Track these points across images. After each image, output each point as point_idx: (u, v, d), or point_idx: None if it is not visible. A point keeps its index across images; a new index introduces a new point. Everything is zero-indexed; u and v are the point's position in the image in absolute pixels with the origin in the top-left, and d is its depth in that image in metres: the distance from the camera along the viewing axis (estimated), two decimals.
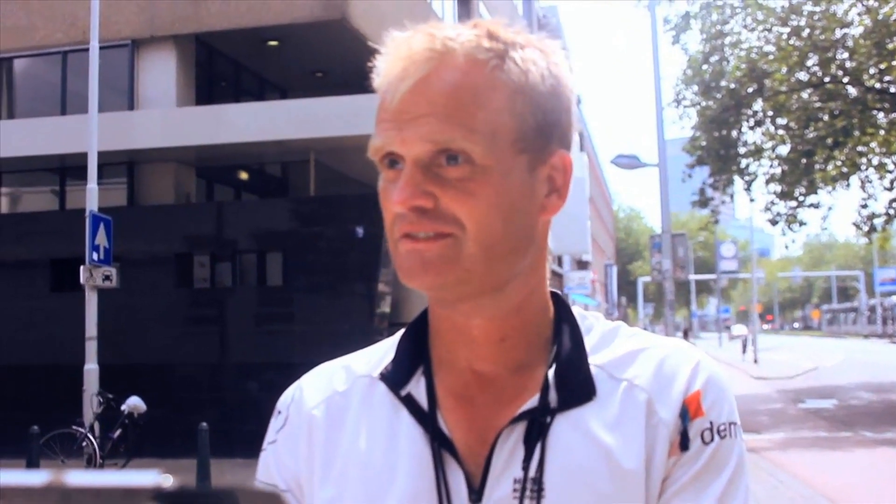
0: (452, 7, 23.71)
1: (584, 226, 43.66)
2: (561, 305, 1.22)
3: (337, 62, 16.15)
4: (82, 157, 13.24)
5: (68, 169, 16.34)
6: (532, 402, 1.12)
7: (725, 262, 54.20)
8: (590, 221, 49.67)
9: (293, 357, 12.97)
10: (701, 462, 1.10)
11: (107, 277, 12.46)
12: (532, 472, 1.09)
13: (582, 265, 57.02)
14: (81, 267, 12.29)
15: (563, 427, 1.11)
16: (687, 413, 1.11)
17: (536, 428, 1.11)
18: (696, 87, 22.88)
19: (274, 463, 1.23)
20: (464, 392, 1.17)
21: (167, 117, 15.07)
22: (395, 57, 1.09)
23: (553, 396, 1.12)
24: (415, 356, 1.20)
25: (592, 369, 1.15)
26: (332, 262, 14.32)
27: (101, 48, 13.20)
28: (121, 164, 15.84)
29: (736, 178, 23.99)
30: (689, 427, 1.11)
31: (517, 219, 1.09)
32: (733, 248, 54.60)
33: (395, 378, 1.19)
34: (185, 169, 16.13)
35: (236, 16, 15.28)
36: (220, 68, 17.56)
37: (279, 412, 1.26)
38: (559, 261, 47.56)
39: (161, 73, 15.85)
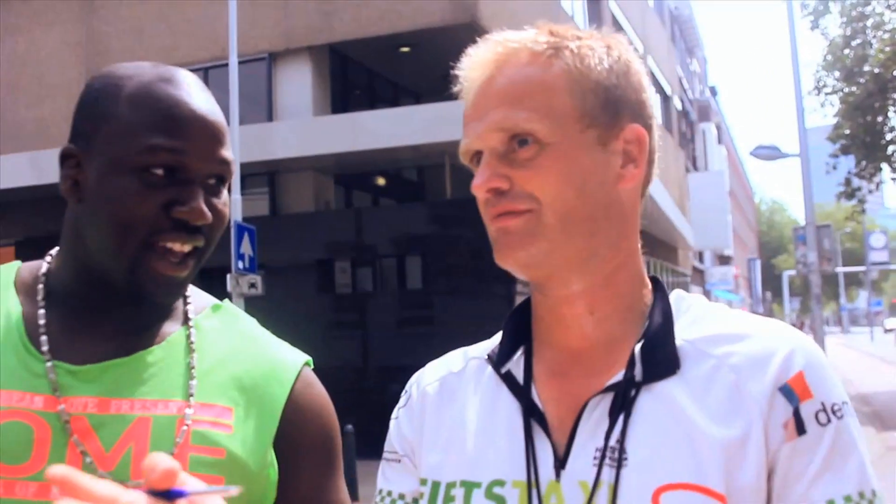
0: (582, 6, 23.52)
1: (725, 220, 42.73)
2: (659, 288, 1.27)
3: None
4: None
5: None
6: (618, 375, 1.17)
7: (875, 252, 52.19)
8: (730, 215, 48.59)
9: (434, 359, 12.90)
10: (825, 446, 1.10)
11: (252, 285, 12.76)
12: (613, 442, 1.13)
13: (724, 260, 55.82)
14: (228, 275, 12.62)
15: (647, 400, 1.15)
16: (793, 394, 1.11)
17: (621, 400, 1.15)
18: (837, 73, 22.08)
19: (395, 434, 1.36)
20: (559, 368, 1.24)
21: (305, 127, 15.37)
22: (468, 67, 1.24)
23: (639, 370, 1.16)
24: (517, 338, 1.30)
25: (681, 344, 1.18)
26: (471, 265, 14.35)
27: (239, 63, 13.55)
28: (262, 175, 16.24)
29: (884, 165, 23.07)
30: (800, 409, 1.11)
31: (592, 189, 1.17)
32: (883, 238, 52.51)
33: (498, 358, 1.29)
34: (323, 177, 16.44)
35: (368, 24, 15.50)
36: (355, 76, 17.83)
37: (405, 391, 1.40)
38: (700, 256, 46.65)
39: (297, 83, 16.19)
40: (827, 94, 22.52)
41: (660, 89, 32.09)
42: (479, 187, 1.19)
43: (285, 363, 1.51)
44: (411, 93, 18.57)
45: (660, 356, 1.17)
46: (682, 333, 1.20)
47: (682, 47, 45.78)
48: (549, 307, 1.26)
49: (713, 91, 60.36)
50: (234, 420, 1.40)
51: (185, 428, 1.34)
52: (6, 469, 1.28)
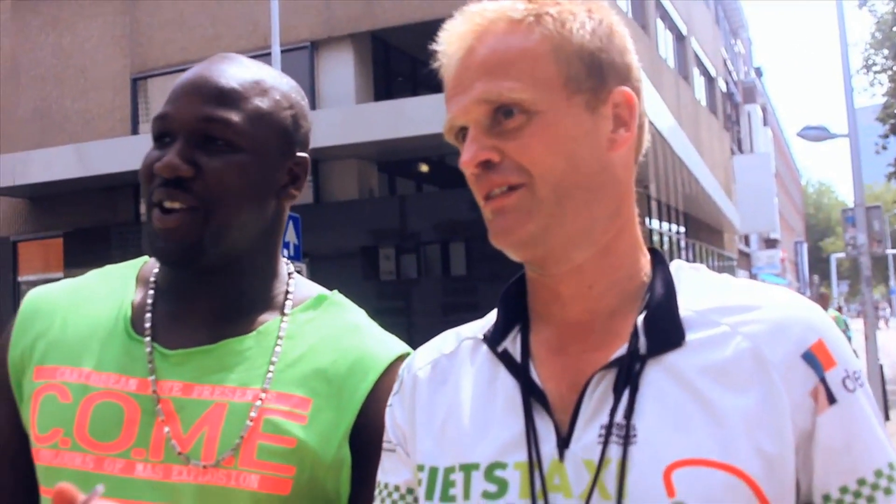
0: None
1: (771, 203, 42.32)
2: (658, 258, 1.23)
3: None
4: None
5: None
6: (622, 349, 1.11)
7: None
8: (776, 198, 48.13)
9: None
10: (857, 415, 1.06)
11: (298, 272, 12.82)
12: (619, 418, 1.08)
13: (770, 244, 55.35)
14: None
15: (655, 373, 1.10)
16: (816, 362, 1.07)
17: (625, 375, 1.10)
18: (886, 51, 21.76)
19: (390, 424, 1.31)
20: (557, 344, 1.19)
21: (348, 115, 15.40)
22: (446, 41, 1.20)
23: (643, 342, 1.11)
24: (512, 315, 1.24)
25: (688, 314, 1.13)
26: None
27: (282, 52, 13.60)
28: None
29: None
30: (826, 378, 1.07)
31: (583, 156, 1.13)
32: None
33: (494, 337, 1.24)
34: (366, 164, 16.47)
35: (409, 10, 15.49)
36: (397, 63, 17.84)
37: (398, 377, 1.35)
38: (746, 240, 46.30)
39: (340, 72, 16.23)
40: (876, 72, 22.18)
41: (704, 71, 31.80)
42: (467, 163, 1.13)
43: (374, 356, 1.49)
44: None
45: (664, 327, 1.12)
46: (687, 303, 1.15)
47: (726, 28, 45.33)
48: (544, 284, 1.21)
49: (758, 72, 59.72)
50: (311, 411, 1.41)
51: (253, 415, 1.37)
52: (97, 445, 1.38)
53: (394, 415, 1.30)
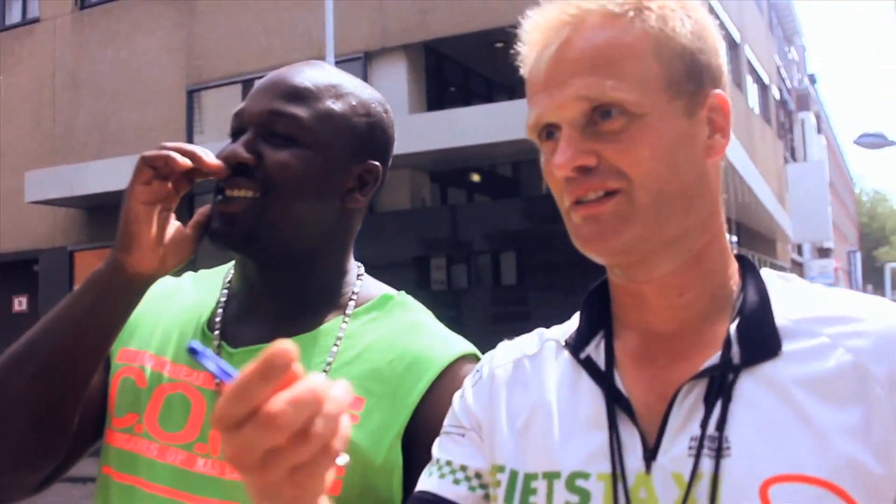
0: None
1: (825, 212, 41.73)
2: (747, 265, 1.17)
3: None
4: None
5: None
6: (714, 358, 1.06)
7: None
8: (830, 207, 47.51)
9: None
10: None
11: None
12: (711, 430, 1.02)
13: (823, 253, 54.59)
14: None
15: (749, 384, 1.04)
16: None
17: (718, 385, 1.04)
18: None
19: (461, 409, 1.25)
20: (644, 352, 1.14)
21: (401, 125, 15.15)
22: (533, 36, 1.13)
23: (736, 351, 1.06)
24: (596, 321, 1.19)
25: (784, 322, 1.07)
26: (566, 259, 14.25)
27: (336, 63, 13.69)
28: None
29: None
30: None
31: (683, 163, 1.08)
32: None
33: (576, 343, 1.19)
34: (419, 174, 16.50)
35: (462, 21, 15.50)
36: (449, 73, 17.86)
37: (475, 370, 1.30)
38: (799, 249, 45.72)
39: (393, 82, 16.26)
40: None
41: (757, 79, 31.48)
42: (563, 166, 1.06)
43: (432, 355, 1.46)
44: (506, 88, 18.50)
45: (759, 336, 1.06)
46: (783, 312, 1.08)
47: (779, 35, 44.85)
48: (631, 291, 1.15)
49: (812, 79, 59.02)
50: (363, 411, 1.40)
51: None
52: (164, 434, 1.43)
53: (467, 403, 1.25)
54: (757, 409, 1.02)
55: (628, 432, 1.08)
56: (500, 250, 15.76)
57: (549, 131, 1.11)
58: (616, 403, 1.10)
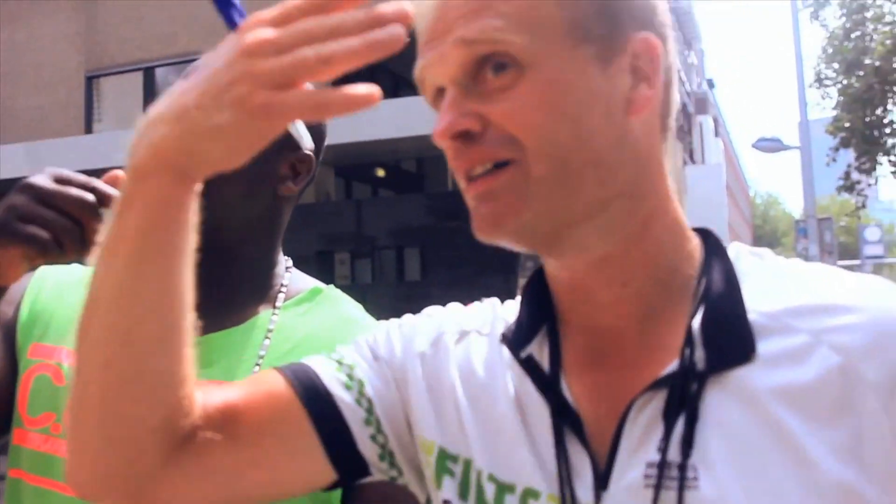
0: None
1: (722, 214, 42.63)
2: (711, 242, 0.98)
3: None
4: None
5: None
6: (673, 364, 0.87)
7: (870, 246, 52.09)
8: (727, 209, 48.64)
9: None
10: None
11: None
12: (673, 455, 0.84)
13: None
14: None
15: (718, 396, 0.85)
16: None
17: (678, 397, 0.86)
18: (836, 66, 22.07)
19: (383, 339, 1.12)
20: (591, 355, 0.95)
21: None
22: None
23: (700, 355, 0.87)
24: (537, 313, 1.00)
25: (756, 318, 0.88)
26: (470, 257, 14.33)
27: None
28: None
29: (882, 159, 23.03)
30: None
31: (593, 123, 0.88)
32: (878, 231, 52.31)
33: (515, 337, 1.00)
34: (324, 168, 16.41)
35: None
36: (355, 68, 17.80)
37: (427, 314, 1.17)
38: None
39: None
40: (826, 86, 22.51)
41: None
42: (441, 133, 0.89)
43: None
44: (411, 84, 18.49)
45: (727, 334, 0.87)
46: (755, 302, 0.89)
47: (680, 40, 45.72)
48: (567, 280, 0.97)
49: (710, 83, 60.27)
50: None
51: None
52: None
53: (391, 338, 1.11)
54: (728, 428, 0.84)
55: (577, 452, 0.91)
56: (405, 246, 15.78)
57: (443, 97, 0.94)
58: (563, 417, 0.92)
